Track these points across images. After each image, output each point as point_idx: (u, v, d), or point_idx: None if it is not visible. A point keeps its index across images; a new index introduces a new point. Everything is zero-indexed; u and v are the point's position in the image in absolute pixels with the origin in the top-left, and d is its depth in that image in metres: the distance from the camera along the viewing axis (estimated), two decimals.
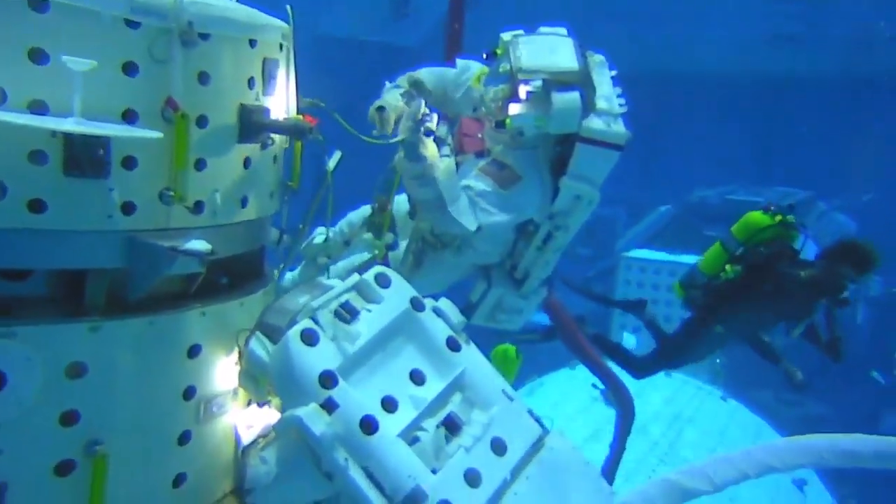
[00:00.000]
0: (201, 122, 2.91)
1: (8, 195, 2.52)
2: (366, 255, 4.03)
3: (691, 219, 25.08)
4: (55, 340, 2.62)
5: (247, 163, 3.17)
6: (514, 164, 3.72)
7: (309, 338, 2.80)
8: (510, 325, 4.11)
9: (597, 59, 3.84)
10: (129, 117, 2.70)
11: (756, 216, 5.56)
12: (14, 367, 2.52)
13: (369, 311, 2.95)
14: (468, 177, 3.74)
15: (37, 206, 2.55)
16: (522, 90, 3.59)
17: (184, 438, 3.01)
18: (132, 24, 2.66)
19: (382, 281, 3.01)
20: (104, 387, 2.74)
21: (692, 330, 5.89)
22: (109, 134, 2.47)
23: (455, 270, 3.98)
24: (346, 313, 2.89)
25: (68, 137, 2.52)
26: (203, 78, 2.89)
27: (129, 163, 2.72)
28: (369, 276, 2.98)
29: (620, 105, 3.71)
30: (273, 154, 3.36)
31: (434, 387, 2.96)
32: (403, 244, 4.03)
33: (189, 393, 3.00)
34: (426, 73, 4.05)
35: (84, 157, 2.57)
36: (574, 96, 3.59)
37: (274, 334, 2.89)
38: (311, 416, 2.68)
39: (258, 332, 2.94)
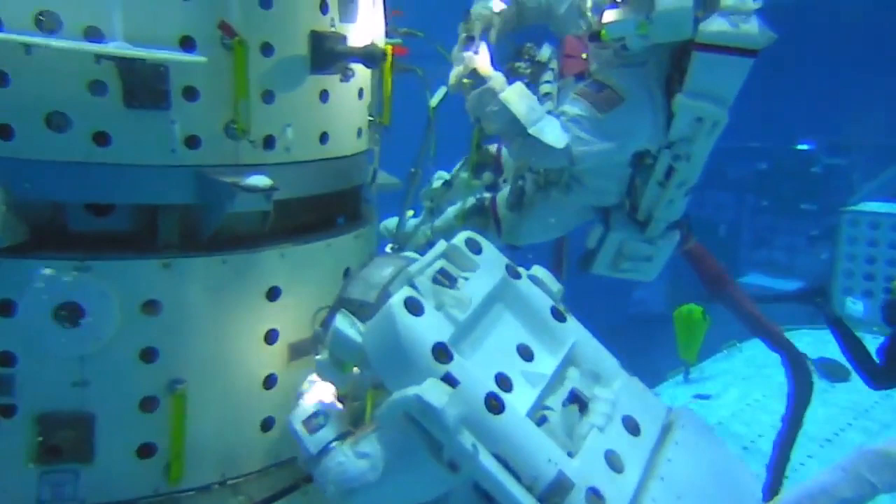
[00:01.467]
0: (266, 50, 2.74)
1: (73, 127, 2.47)
2: (471, 200, 3.69)
3: None
4: (129, 276, 2.56)
5: (324, 96, 2.96)
6: (616, 84, 3.12)
7: (415, 307, 2.33)
8: (639, 275, 3.55)
9: None
10: (186, 44, 2.57)
11: None
12: (90, 301, 2.48)
13: (466, 278, 2.53)
14: (564, 102, 3.27)
15: (101, 138, 2.50)
16: None
17: (269, 382, 2.88)
18: None
19: (473, 246, 2.58)
20: (180, 325, 2.66)
21: None
22: (147, 57, 2.35)
23: (568, 213, 3.50)
24: (445, 280, 2.45)
25: (123, 66, 2.43)
26: (265, 2, 2.71)
27: (190, 94, 2.60)
28: (459, 241, 2.56)
29: (755, 0, 3.00)
30: (358, 87, 3.14)
31: (547, 362, 2.53)
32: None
33: (271, 336, 2.86)
34: None
35: (140, 86, 2.47)
36: None
37: (362, 310, 2.43)
38: (433, 392, 2.20)
39: (342, 310, 2.44)
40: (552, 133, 3.08)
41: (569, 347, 2.56)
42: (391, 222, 4.03)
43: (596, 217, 3.47)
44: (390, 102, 3.31)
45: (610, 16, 3.04)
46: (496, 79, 3.16)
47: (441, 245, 2.48)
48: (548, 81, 3.43)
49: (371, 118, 3.26)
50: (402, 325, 2.30)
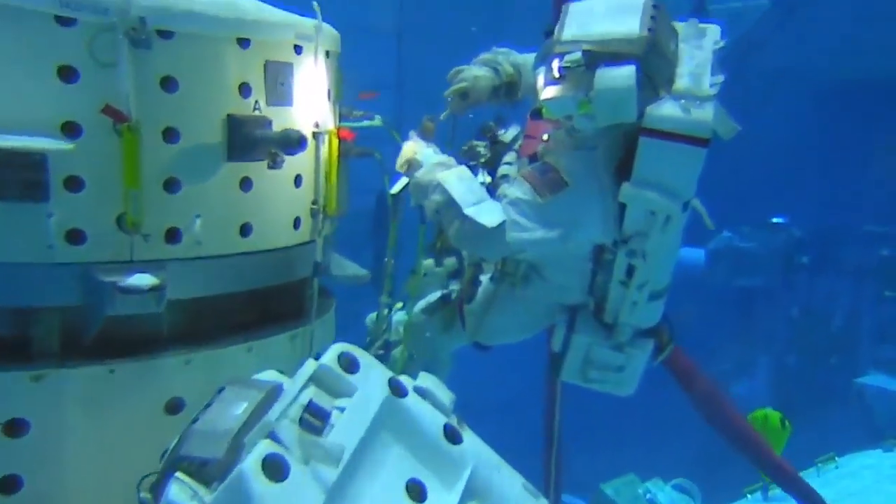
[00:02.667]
0: (170, 135, 2.44)
1: None
2: (436, 293, 3.27)
3: None
4: None
5: (245, 184, 2.63)
6: (563, 168, 2.71)
7: (276, 469, 1.78)
8: (610, 388, 3.01)
9: (698, 27, 2.75)
10: (70, 131, 2.29)
11: None
12: None
13: (341, 409, 2.00)
14: (507, 183, 2.84)
15: None
16: (556, 66, 2.58)
17: None
18: (65, 22, 2.27)
19: (347, 365, 2.06)
20: (51, 448, 2.29)
21: None
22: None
23: (533, 310, 3.02)
24: (315, 419, 1.92)
25: None
26: (168, 84, 2.42)
27: (74, 184, 2.31)
28: (330, 360, 2.05)
29: (712, 86, 2.59)
30: (294, 173, 2.81)
31: (444, 499, 2.00)
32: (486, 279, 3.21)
33: None
34: (520, 56, 3.18)
35: (13, 177, 2.20)
36: (624, 72, 2.52)
37: (204, 471, 1.86)
38: None
39: (178, 474, 1.85)
40: (488, 214, 2.68)
41: (466, 477, 2.02)
42: (373, 316, 3.65)
43: (561, 317, 2.99)
44: (335, 191, 2.96)
45: (549, 92, 2.63)
46: (438, 159, 2.85)
47: (309, 367, 2.01)
48: (508, 163, 3.03)
49: (314, 206, 2.91)
50: (261, 498, 1.74)
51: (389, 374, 2.08)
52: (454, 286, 3.31)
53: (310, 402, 1.92)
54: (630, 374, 2.96)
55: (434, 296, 3.29)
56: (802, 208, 25.29)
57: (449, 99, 3.08)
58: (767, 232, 24.10)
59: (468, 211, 2.67)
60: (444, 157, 2.84)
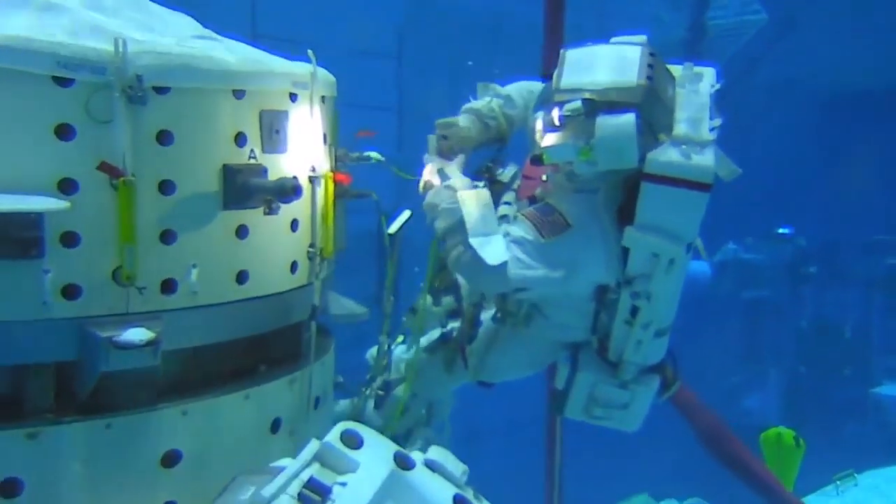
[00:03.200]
0: (165, 188, 2.44)
1: None
2: (436, 332, 3.27)
3: None
4: None
5: (242, 232, 2.63)
6: (566, 210, 2.76)
7: None
8: (616, 424, 3.02)
9: (694, 71, 2.78)
10: (66, 187, 2.29)
11: None
12: None
13: (343, 484, 2.01)
14: (510, 223, 2.85)
15: None
16: (556, 114, 2.64)
17: None
18: (63, 82, 2.28)
19: (350, 442, 2.06)
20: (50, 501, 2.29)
21: None
22: None
23: (535, 348, 3.04)
24: (315, 494, 1.94)
25: None
26: (164, 138, 2.42)
27: (69, 240, 2.30)
28: (333, 437, 2.06)
29: (711, 130, 2.64)
30: (291, 218, 2.80)
31: None
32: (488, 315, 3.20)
33: None
34: (514, 91, 3.22)
35: (9, 236, 2.20)
36: (624, 120, 2.56)
37: None
38: None
39: None
40: (493, 250, 2.70)
41: None
42: (374, 351, 3.65)
43: (564, 355, 2.99)
44: (332, 233, 2.96)
45: (550, 139, 2.69)
46: (461, 180, 2.91)
47: (312, 446, 2.01)
48: (507, 203, 3.04)
49: (311, 249, 2.91)
50: None
51: (395, 448, 2.07)
52: (453, 324, 3.31)
53: (310, 478, 1.92)
54: (635, 411, 2.98)
55: (434, 334, 3.28)
56: (808, 219, 25.18)
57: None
58: (773, 243, 23.99)
59: (472, 241, 2.70)
60: (465, 180, 2.90)
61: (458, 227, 2.75)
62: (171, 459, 2.46)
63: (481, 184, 2.98)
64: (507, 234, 2.77)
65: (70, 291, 2.33)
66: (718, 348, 23.63)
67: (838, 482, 8.82)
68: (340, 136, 3.28)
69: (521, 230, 2.76)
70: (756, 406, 23.98)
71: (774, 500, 3.88)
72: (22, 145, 2.25)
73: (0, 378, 2.36)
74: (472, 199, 2.79)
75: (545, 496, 3.85)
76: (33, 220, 2.22)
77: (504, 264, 2.69)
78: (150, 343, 2.27)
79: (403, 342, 3.62)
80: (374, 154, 3.31)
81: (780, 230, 24.35)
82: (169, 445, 2.46)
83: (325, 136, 2.97)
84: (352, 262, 3.41)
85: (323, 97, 2.94)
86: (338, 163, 3.07)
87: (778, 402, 24.30)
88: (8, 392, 2.35)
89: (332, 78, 3.08)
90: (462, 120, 3.12)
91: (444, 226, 2.79)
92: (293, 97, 2.78)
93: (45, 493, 2.27)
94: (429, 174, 2.97)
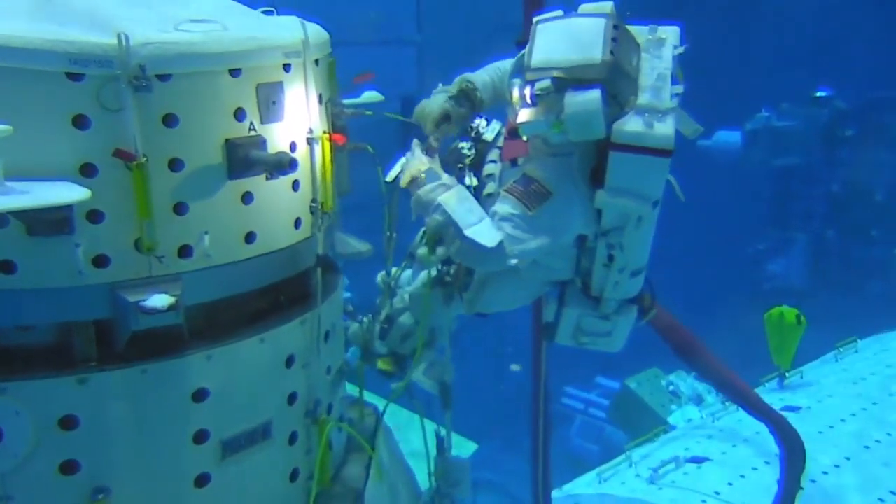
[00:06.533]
0: (175, 165, 2.66)
1: None
2: (434, 271, 3.52)
3: None
4: (43, 394, 2.59)
5: (247, 198, 2.85)
6: (543, 178, 2.91)
7: None
8: (602, 348, 3.32)
9: (658, 36, 2.81)
10: (87, 171, 2.53)
11: None
12: (5, 421, 2.56)
13: None
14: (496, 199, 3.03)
15: (6, 267, 2.52)
16: (528, 92, 2.78)
17: (202, 480, 2.87)
18: (75, 77, 2.46)
19: None
20: (100, 436, 2.67)
21: None
22: (17, 207, 2.31)
23: (525, 286, 3.29)
24: None
25: None
26: (170, 120, 2.61)
27: (95, 216, 2.57)
28: None
29: (673, 97, 2.73)
30: (292, 180, 3.01)
31: None
32: None
33: (201, 436, 2.84)
34: (481, 74, 3.36)
35: (40, 218, 2.47)
36: (590, 97, 2.68)
37: None
38: None
39: None
40: (487, 234, 2.91)
41: None
42: (383, 275, 3.94)
43: (552, 291, 3.26)
44: (332, 188, 3.17)
45: (524, 115, 2.84)
46: (449, 178, 3.08)
47: None
48: (493, 161, 3.20)
49: (313, 204, 3.13)
50: None
51: None
52: (448, 268, 3.53)
53: None
54: (617, 337, 3.29)
55: (433, 272, 3.53)
56: (848, 79, 24.03)
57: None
58: (810, 107, 23.10)
59: (469, 232, 2.92)
60: (446, 178, 3.06)
61: (450, 224, 2.95)
62: (200, 396, 2.82)
63: (467, 145, 3.15)
64: (495, 214, 2.96)
65: (100, 261, 2.61)
66: (747, 216, 23.50)
67: (840, 348, 9.00)
68: (341, 80, 3.42)
69: (508, 206, 2.93)
70: (780, 271, 24.07)
71: (745, 405, 4.22)
72: (46, 136, 2.47)
73: (52, 333, 2.71)
74: (452, 199, 2.99)
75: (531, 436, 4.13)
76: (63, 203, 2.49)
77: (501, 244, 2.90)
78: (171, 307, 2.58)
79: (410, 267, 3.88)
80: (371, 96, 3.44)
81: (818, 93, 23.40)
82: (197, 385, 2.81)
83: (320, 96, 3.11)
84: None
85: (317, 60, 3.06)
86: (335, 120, 3.22)
87: (803, 266, 24.30)
88: (60, 343, 2.71)
89: (324, 36, 3.17)
90: (437, 107, 3.26)
91: (437, 224, 2.99)
92: (287, 67, 2.90)
93: (97, 426, 2.66)
94: (414, 170, 3.10)
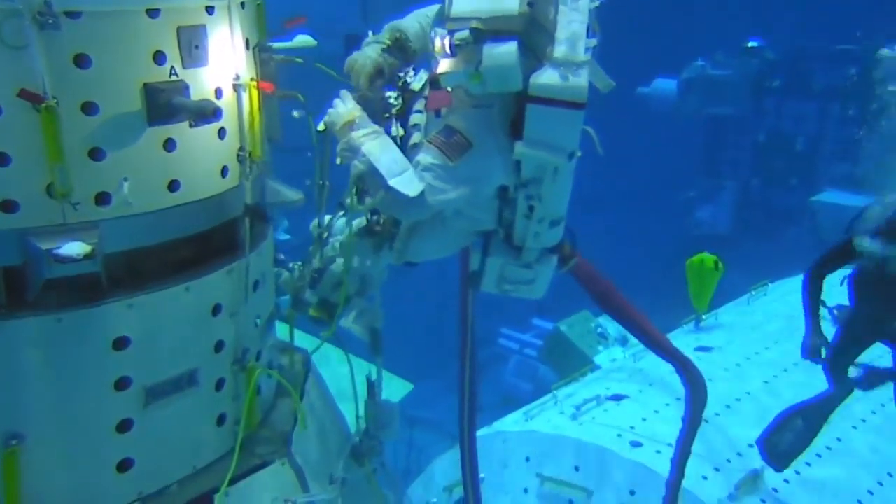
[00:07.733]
0: (89, 109, 2.50)
1: None
2: (362, 220, 3.46)
3: None
4: None
5: (169, 145, 2.72)
6: (464, 129, 2.86)
7: None
8: (525, 295, 3.36)
9: None
10: None
11: None
12: None
13: None
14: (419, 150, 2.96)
15: None
16: (448, 42, 2.69)
17: (124, 426, 2.80)
18: None
19: None
20: (12, 383, 2.57)
21: None
22: None
23: (450, 236, 3.25)
24: None
25: None
26: (82, 61, 2.44)
27: (1, 159, 2.41)
28: None
29: (586, 51, 2.68)
30: (217, 127, 2.87)
31: None
32: None
33: (123, 383, 2.76)
34: (412, 22, 3.24)
35: None
36: (506, 49, 2.63)
37: None
38: None
39: None
40: (409, 184, 2.85)
41: None
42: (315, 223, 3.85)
43: (477, 241, 3.25)
44: (260, 136, 3.04)
45: (444, 66, 2.77)
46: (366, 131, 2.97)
47: None
48: (419, 111, 3.12)
49: (241, 152, 3.00)
50: None
51: None
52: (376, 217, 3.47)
53: None
54: (539, 284, 3.30)
55: (363, 221, 3.45)
56: (780, 30, 24.15)
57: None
58: (742, 57, 23.31)
59: (392, 182, 2.85)
60: (374, 127, 2.97)
61: (374, 173, 2.89)
62: (121, 343, 2.73)
63: (393, 95, 3.04)
64: (417, 164, 2.89)
65: (7, 206, 2.46)
66: (679, 163, 23.89)
67: (752, 292, 9.38)
68: (272, 24, 3.24)
69: (430, 157, 2.87)
70: (707, 217, 24.73)
71: (656, 348, 4.38)
72: None
73: None
74: (377, 148, 2.91)
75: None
76: None
77: (422, 194, 2.85)
78: (87, 256, 2.45)
79: (343, 216, 3.80)
80: (304, 40, 3.29)
81: (750, 43, 23.61)
82: (118, 333, 2.71)
83: (247, 41, 2.95)
84: None
85: (243, 2, 2.89)
86: (263, 66, 3.06)
87: (729, 213, 24.98)
88: None
89: None
90: (370, 62, 3.13)
91: (360, 172, 2.92)
92: (210, 10, 2.74)
93: (8, 373, 2.56)
94: (345, 117, 2.97)
